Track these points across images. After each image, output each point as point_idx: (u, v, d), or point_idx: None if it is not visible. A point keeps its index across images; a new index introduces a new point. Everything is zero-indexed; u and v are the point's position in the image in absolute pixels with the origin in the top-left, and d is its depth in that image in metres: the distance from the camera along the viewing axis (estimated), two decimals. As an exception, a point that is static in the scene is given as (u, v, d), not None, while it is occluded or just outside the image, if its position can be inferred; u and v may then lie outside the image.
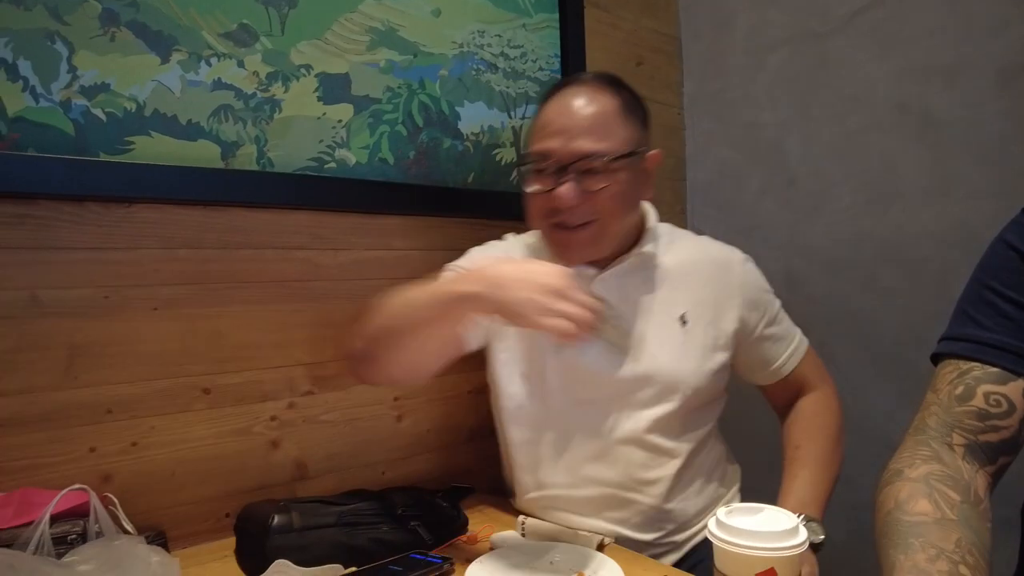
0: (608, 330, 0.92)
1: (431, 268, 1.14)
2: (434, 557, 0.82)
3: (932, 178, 1.25)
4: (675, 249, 1.02)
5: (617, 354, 0.96)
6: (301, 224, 1.02)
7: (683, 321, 0.97)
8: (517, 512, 1.01)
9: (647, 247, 0.98)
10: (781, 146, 1.47)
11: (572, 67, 1.37)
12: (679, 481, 0.96)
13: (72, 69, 0.86)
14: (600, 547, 0.87)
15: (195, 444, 0.94)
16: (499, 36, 1.28)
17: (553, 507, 0.98)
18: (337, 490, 1.01)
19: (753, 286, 1.03)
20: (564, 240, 0.93)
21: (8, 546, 0.71)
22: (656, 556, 0.95)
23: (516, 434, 1.00)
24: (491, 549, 0.86)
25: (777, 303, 1.06)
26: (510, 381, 0.99)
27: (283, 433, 1.01)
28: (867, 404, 1.34)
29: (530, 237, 1.06)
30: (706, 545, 0.89)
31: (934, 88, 1.23)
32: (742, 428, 1.21)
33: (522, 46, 1.32)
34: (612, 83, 0.96)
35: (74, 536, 0.76)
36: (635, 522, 0.95)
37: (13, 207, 0.82)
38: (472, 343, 0.99)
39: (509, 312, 0.75)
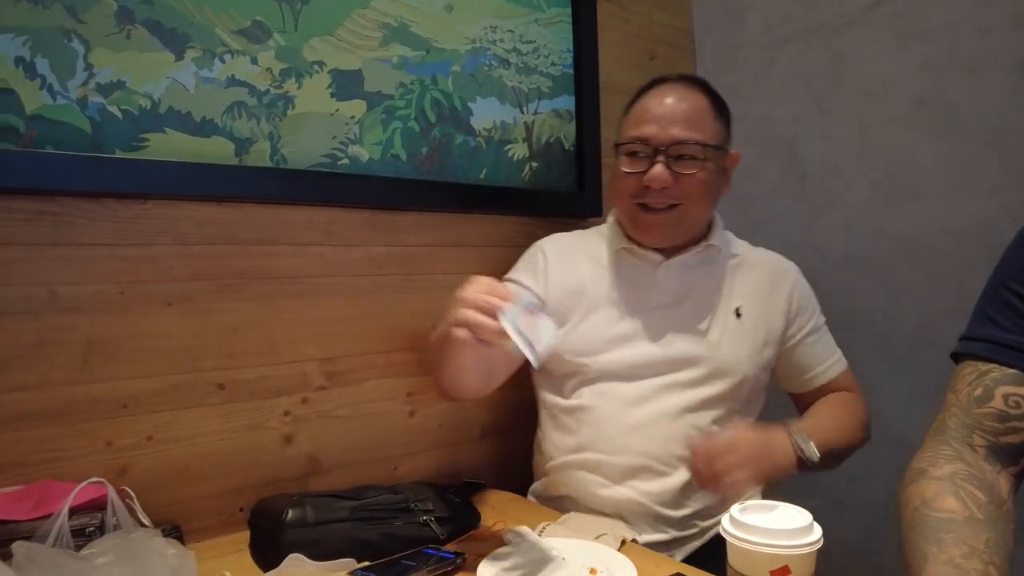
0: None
1: (443, 264, 1.16)
2: (447, 552, 0.83)
3: (951, 173, 1.23)
4: (736, 250, 1.11)
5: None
6: (314, 220, 1.03)
7: (738, 314, 1.04)
8: (532, 508, 1.02)
9: (714, 241, 1.06)
10: (795, 141, 1.45)
11: (585, 62, 1.36)
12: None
13: (88, 67, 0.87)
14: (620, 546, 0.87)
15: (209, 439, 0.94)
16: (511, 31, 1.28)
17: (585, 469, 1.01)
18: (350, 485, 1.01)
19: (803, 294, 1.10)
20: (648, 220, 1.01)
21: (28, 538, 0.72)
22: (678, 540, 0.98)
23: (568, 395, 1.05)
24: (503, 544, 0.86)
25: (823, 319, 1.12)
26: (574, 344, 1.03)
27: (296, 428, 1.02)
28: (881, 402, 1.32)
29: (603, 226, 1.15)
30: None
31: (954, 82, 1.21)
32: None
33: (534, 41, 1.31)
34: (702, 84, 1.05)
35: (92, 528, 0.77)
36: (664, 498, 0.97)
37: (31, 204, 0.83)
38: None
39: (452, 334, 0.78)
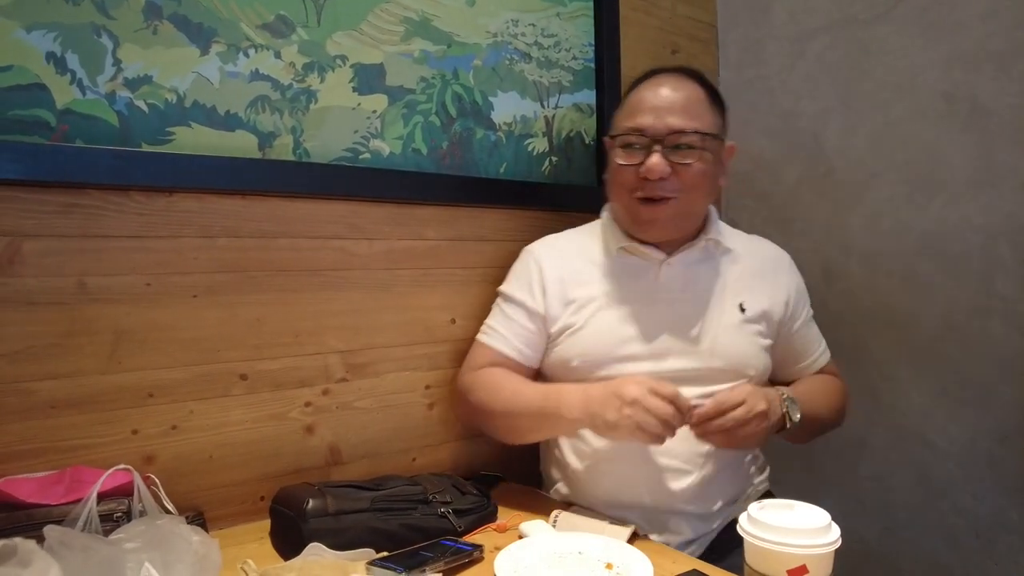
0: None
1: (463, 258, 1.16)
2: (465, 544, 0.84)
3: (978, 169, 1.21)
4: (734, 242, 1.09)
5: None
6: (336, 214, 1.04)
7: (742, 308, 1.03)
8: (547, 502, 1.02)
9: (713, 235, 1.04)
10: (820, 135, 1.43)
11: (607, 56, 1.35)
12: (729, 458, 1.00)
13: (117, 62, 0.88)
14: (632, 538, 0.87)
15: (233, 428, 0.96)
16: (533, 25, 1.27)
17: (608, 475, 0.99)
18: (369, 475, 1.03)
19: (799, 282, 1.12)
20: (648, 213, 0.99)
21: (59, 522, 0.74)
22: (706, 535, 0.99)
23: None
24: (520, 538, 0.87)
25: (811, 312, 1.14)
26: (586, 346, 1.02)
27: (318, 419, 1.03)
28: (903, 401, 1.31)
29: (596, 222, 1.12)
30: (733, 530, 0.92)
31: (984, 76, 1.19)
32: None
33: (556, 35, 1.31)
34: (697, 75, 1.03)
35: (119, 514, 0.79)
36: (688, 496, 0.97)
37: (63, 196, 0.85)
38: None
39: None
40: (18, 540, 0.61)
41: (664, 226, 1.00)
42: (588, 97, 1.36)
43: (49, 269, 0.84)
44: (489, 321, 1.09)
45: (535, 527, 0.89)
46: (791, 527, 0.62)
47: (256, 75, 0.98)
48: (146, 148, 0.90)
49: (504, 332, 1.05)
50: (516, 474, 1.17)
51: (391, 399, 1.10)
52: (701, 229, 1.05)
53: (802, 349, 1.11)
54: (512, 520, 0.94)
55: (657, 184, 0.96)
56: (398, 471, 1.07)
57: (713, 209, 1.08)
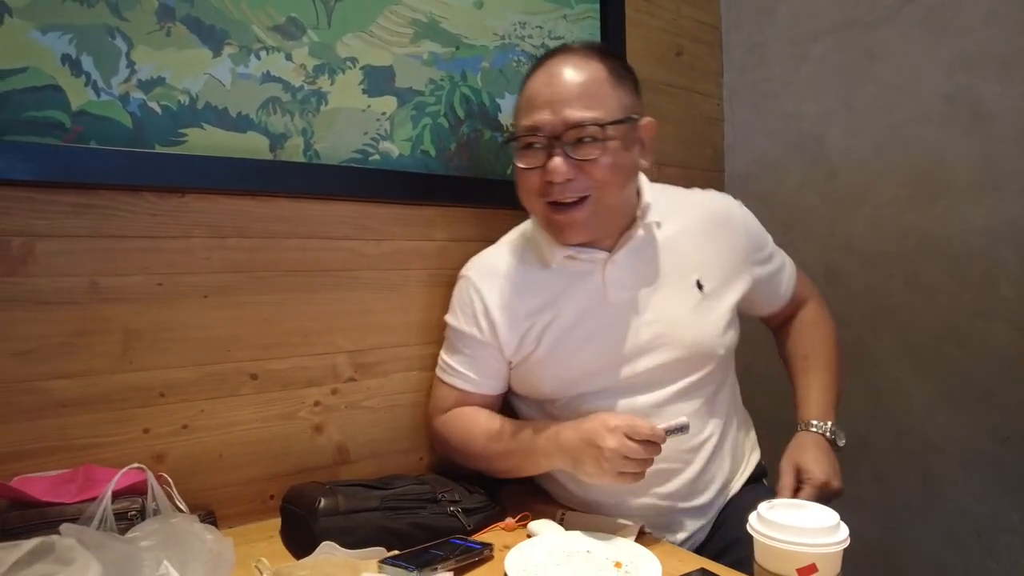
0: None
1: (469, 258, 1.16)
2: (474, 543, 0.85)
3: (981, 172, 1.22)
4: (673, 212, 0.99)
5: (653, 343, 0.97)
6: (346, 215, 1.05)
7: (699, 286, 0.98)
8: (555, 502, 1.03)
9: (650, 219, 0.95)
10: (823, 138, 1.44)
11: (612, 58, 1.36)
12: (720, 446, 1.01)
13: (130, 64, 0.89)
14: (640, 534, 0.88)
15: (242, 427, 0.97)
16: (540, 27, 1.28)
17: (602, 494, 0.98)
18: (376, 474, 1.04)
19: (754, 229, 1.06)
20: (560, 219, 0.91)
21: (74, 520, 0.75)
22: (703, 528, 1.00)
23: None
24: (528, 537, 0.88)
25: (767, 235, 1.09)
26: (546, 366, 0.99)
27: (326, 418, 1.04)
28: (905, 403, 1.32)
29: (526, 226, 1.06)
30: (732, 509, 0.97)
31: (987, 79, 1.20)
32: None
33: (563, 37, 1.31)
34: (597, 51, 0.93)
35: (133, 512, 0.80)
36: (684, 493, 0.97)
37: (76, 197, 0.85)
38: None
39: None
40: (56, 538, 0.61)
41: (582, 228, 0.92)
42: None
43: (61, 269, 0.85)
44: (445, 357, 1.05)
45: (543, 526, 0.90)
46: (801, 526, 0.63)
47: (267, 77, 0.99)
48: (159, 149, 0.91)
49: (462, 368, 1.02)
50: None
51: (399, 399, 1.11)
52: (634, 214, 0.96)
53: (774, 284, 1.09)
54: (520, 519, 0.94)
55: (564, 186, 0.88)
56: (405, 470, 1.08)
57: (642, 184, 0.98)
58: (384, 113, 1.09)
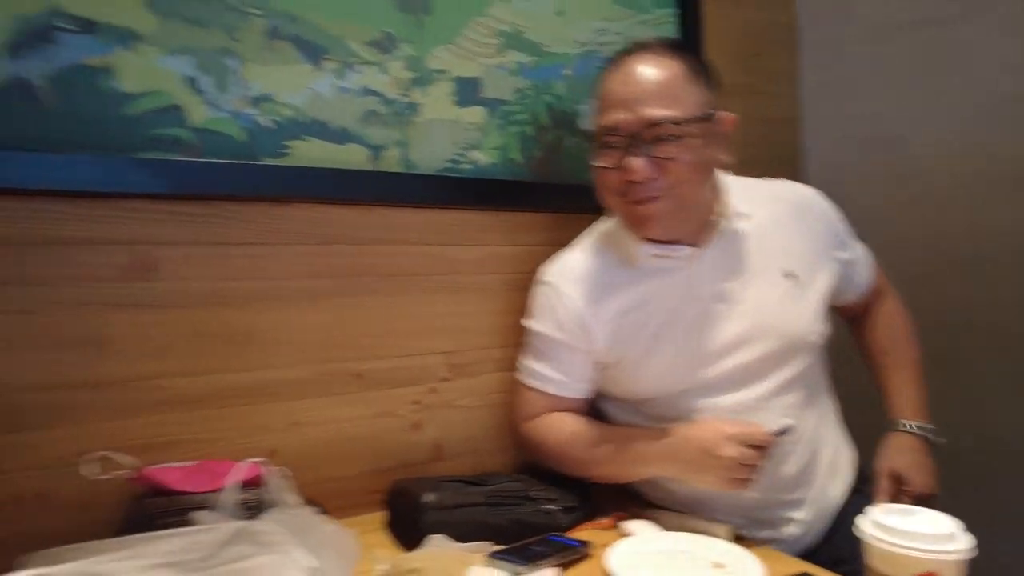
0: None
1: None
2: (573, 540, 0.86)
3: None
4: (756, 204, 0.99)
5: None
6: (440, 221, 1.09)
7: (789, 275, 0.97)
8: (646, 502, 1.04)
9: (734, 211, 0.96)
10: (904, 137, 1.41)
11: (690, 61, 1.36)
12: (823, 433, 1.01)
13: (242, 82, 0.94)
14: (737, 538, 0.88)
15: (347, 424, 1.02)
16: (619, 33, 1.29)
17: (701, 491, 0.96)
18: (471, 471, 1.07)
19: (833, 218, 1.06)
20: (640, 216, 0.92)
21: (202, 508, 0.80)
22: (805, 528, 0.98)
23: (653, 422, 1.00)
24: (622, 536, 0.89)
25: (845, 222, 1.08)
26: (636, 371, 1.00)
27: (424, 416, 1.08)
28: (1000, 419, 1.27)
29: (605, 226, 1.05)
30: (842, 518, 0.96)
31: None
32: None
33: (641, 42, 1.32)
34: (673, 48, 0.93)
35: (253, 503, 0.84)
36: (786, 486, 0.96)
37: (197, 207, 0.92)
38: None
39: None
40: (254, 523, 0.67)
41: (660, 226, 0.92)
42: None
43: (183, 274, 0.91)
44: (530, 363, 1.05)
45: (639, 526, 0.91)
46: (919, 531, 0.63)
47: (365, 90, 1.03)
48: (267, 161, 0.96)
49: (550, 373, 1.02)
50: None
51: (492, 398, 1.14)
52: (712, 209, 0.96)
53: (856, 273, 1.09)
54: (614, 518, 0.95)
55: (644, 185, 0.88)
56: (496, 468, 1.11)
57: (723, 178, 0.98)
58: (473, 123, 1.12)
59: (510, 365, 1.14)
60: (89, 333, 0.85)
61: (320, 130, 1.00)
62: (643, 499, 1.06)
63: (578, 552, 0.84)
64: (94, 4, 0.86)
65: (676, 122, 0.86)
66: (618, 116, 0.89)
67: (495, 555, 0.78)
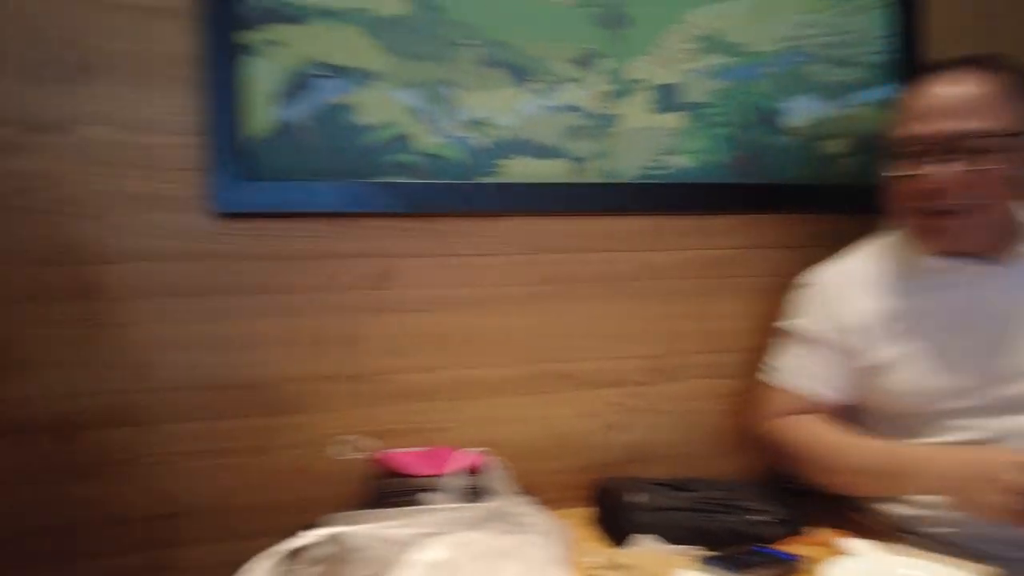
0: None
1: (762, 265, 1.16)
2: (786, 553, 0.84)
3: None
4: None
5: None
6: (641, 228, 1.12)
7: None
8: (869, 520, 0.98)
9: None
10: None
11: (909, 47, 1.25)
12: None
13: (458, 108, 1.05)
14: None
15: (555, 422, 1.09)
16: (819, 25, 1.23)
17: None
18: (667, 476, 1.07)
19: None
20: (934, 226, 0.91)
21: (427, 491, 0.90)
22: None
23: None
24: (833, 554, 0.84)
25: None
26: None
27: (623, 418, 1.12)
28: None
29: (888, 237, 1.03)
30: None
31: None
32: None
33: (848, 31, 1.24)
34: (990, 64, 0.92)
35: (474, 489, 0.93)
36: None
37: (426, 223, 1.04)
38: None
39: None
40: (507, 503, 0.77)
41: (954, 237, 0.91)
42: (888, 92, 1.26)
43: (414, 283, 1.03)
44: (783, 362, 1.05)
45: (862, 546, 0.86)
46: None
47: (568, 107, 1.09)
48: (481, 179, 1.06)
49: (804, 374, 1.02)
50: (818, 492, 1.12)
51: (691, 405, 1.15)
52: (1011, 232, 0.94)
53: None
54: (828, 535, 0.91)
55: (944, 195, 0.88)
56: (694, 474, 1.10)
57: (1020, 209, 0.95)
58: (672, 128, 1.14)
59: (709, 372, 1.15)
60: (344, 333, 1.00)
61: (526, 147, 1.08)
62: (864, 516, 1.00)
63: (791, 566, 0.82)
64: (341, 50, 1.00)
65: (986, 135, 0.87)
66: (929, 125, 0.90)
67: (708, 560, 0.79)
